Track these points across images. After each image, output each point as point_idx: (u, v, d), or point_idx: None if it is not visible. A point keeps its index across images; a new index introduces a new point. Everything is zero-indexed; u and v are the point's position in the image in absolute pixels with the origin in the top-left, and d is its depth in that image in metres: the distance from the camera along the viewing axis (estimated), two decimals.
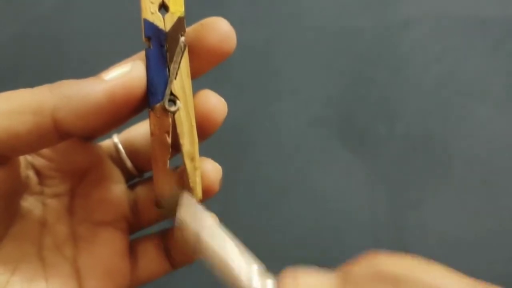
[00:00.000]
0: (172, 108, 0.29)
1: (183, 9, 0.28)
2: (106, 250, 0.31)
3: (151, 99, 0.28)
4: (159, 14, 0.28)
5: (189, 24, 0.29)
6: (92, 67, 0.54)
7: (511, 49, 0.57)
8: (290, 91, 0.57)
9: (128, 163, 0.33)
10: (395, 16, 0.58)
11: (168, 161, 0.30)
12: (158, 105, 0.28)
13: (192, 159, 0.29)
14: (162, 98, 0.28)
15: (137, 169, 0.33)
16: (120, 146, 0.33)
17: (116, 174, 0.32)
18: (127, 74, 0.26)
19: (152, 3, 0.28)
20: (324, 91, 0.57)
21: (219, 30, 0.28)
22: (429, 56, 0.57)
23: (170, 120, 0.29)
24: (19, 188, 0.29)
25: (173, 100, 0.29)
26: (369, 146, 0.56)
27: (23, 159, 0.29)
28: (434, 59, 0.57)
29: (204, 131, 0.30)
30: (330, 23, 0.58)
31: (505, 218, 0.53)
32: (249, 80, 0.57)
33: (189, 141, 0.29)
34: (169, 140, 0.29)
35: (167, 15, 0.28)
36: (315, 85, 0.57)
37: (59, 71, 0.56)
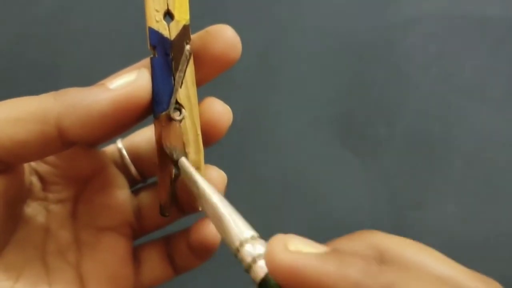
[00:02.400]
0: (177, 117, 0.28)
1: (188, 17, 0.28)
2: (110, 255, 0.31)
3: (156, 108, 0.28)
4: (164, 22, 0.28)
5: (193, 29, 0.29)
6: (92, 68, 0.54)
7: (511, 49, 0.57)
8: (290, 91, 0.57)
9: (132, 169, 0.33)
10: (395, 16, 0.58)
11: (173, 170, 0.29)
12: (163, 114, 0.28)
13: (198, 168, 0.29)
14: (167, 107, 0.28)
15: (141, 175, 0.33)
16: (124, 152, 0.33)
17: (120, 180, 0.32)
18: (132, 83, 0.26)
19: (157, 11, 0.28)
20: (324, 91, 0.57)
21: (224, 37, 0.28)
22: (429, 56, 0.57)
23: (176, 128, 0.29)
24: (22, 194, 0.29)
25: (178, 109, 0.29)
26: (369, 146, 0.55)
27: (26, 165, 0.29)
28: (434, 59, 0.57)
29: (209, 138, 0.30)
30: (330, 23, 0.58)
31: (505, 218, 0.53)
32: (249, 80, 0.57)
33: (194, 150, 0.29)
34: None
35: (172, 23, 0.28)
36: (315, 85, 0.57)
37: (59, 72, 0.56)
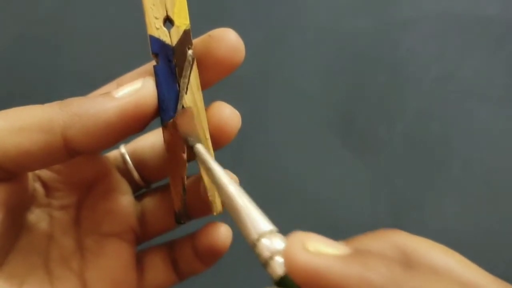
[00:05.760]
0: None
1: (188, 21, 0.28)
2: (113, 262, 0.31)
3: (163, 116, 0.28)
4: (164, 29, 0.28)
5: (193, 26, 0.29)
6: (92, 69, 0.54)
7: (511, 49, 0.57)
8: (290, 91, 0.57)
9: (135, 174, 0.33)
10: (395, 16, 0.58)
11: (185, 177, 0.29)
12: (170, 121, 0.28)
13: None
14: (174, 114, 0.28)
15: (144, 180, 0.33)
16: (127, 157, 0.32)
17: (123, 186, 0.32)
18: (138, 91, 0.26)
19: (156, 18, 0.27)
20: (324, 91, 0.57)
21: (227, 41, 0.28)
22: (429, 56, 0.57)
23: None
24: (26, 201, 0.29)
25: None
26: (369, 146, 0.56)
27: (30, 172, 0.29)
28: (434, 59, 0.57)
29: (218, 142, 0.30)
30: (330, 23, 0.58)
31: (505, 218, 0.53)
32: (249, 80, 0.56)
33: None
34: (185, 156, 0.29)
35: (173, 29, 0.28)
36: (315, 85, 0.57)
37: (59, 73, 0.56)
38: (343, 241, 0.23)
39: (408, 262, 0.21)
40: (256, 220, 0.24)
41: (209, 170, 0.27)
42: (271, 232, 0.23)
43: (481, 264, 0.24)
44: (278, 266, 0.22)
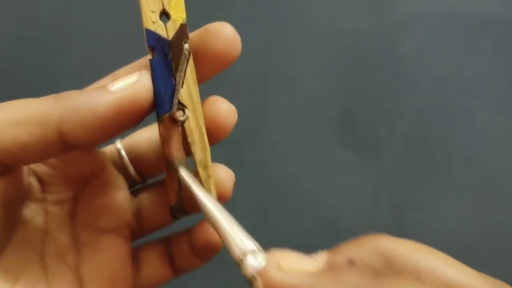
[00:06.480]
0: (181, 117, 0.28)
1: (184, 15, 0.28)
2: (109, 257, 0.31)
3: (158, 110, 0.28)
4: (160, 22, 0.28)
5: (192, 26, 0.29)
6: (92, 69, 0.54)
7: (511, 49, 0.57)
8: (290, 91, 0.57)
9: (131, 169, 0.33)
10: (395, 16, 0.58)
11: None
12: (166, 115, 0.28)
13: (205, 167, 0.29)
14: (170, 108, 0.28)
15: (140, 175, 0.33)
16: (123, 152, 0.32)
17: (119, 181, 0.32)
18: (134, 85, 0.26)
19: (152, 12, 0.27)
20: (324, 91, 0.57)
21: (224, 35, 0.28)
22: (429, 56, 0.57)
23: (180, 129, 0.28)
24: (21, 195, 0.29)
25: (181, 109, 0.28)
26: (369, 146, 0.55)
27: (25, 167, 0.29)
28: (434, 59, 0.57)
29: (214, 137, 0.30)
30: (330, 23, 0.58)
31: (505, 218, 0.53)
32: (248, 80, 0.56)
33: (200, 149, 0.29)
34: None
35: (169, 23, 0.28)
36: (315, 85, 0.57)
37: (58, 73, 0.56)
38: (326, 250, 0.23)
39: (390, 268, 0.21)
40: (241, 240, 0.24)
41: (192, 194, 0.27)
42: (254, 251, 0.24)
43: (481, 264, 0.24)
44: (261, 285, 0.23)
